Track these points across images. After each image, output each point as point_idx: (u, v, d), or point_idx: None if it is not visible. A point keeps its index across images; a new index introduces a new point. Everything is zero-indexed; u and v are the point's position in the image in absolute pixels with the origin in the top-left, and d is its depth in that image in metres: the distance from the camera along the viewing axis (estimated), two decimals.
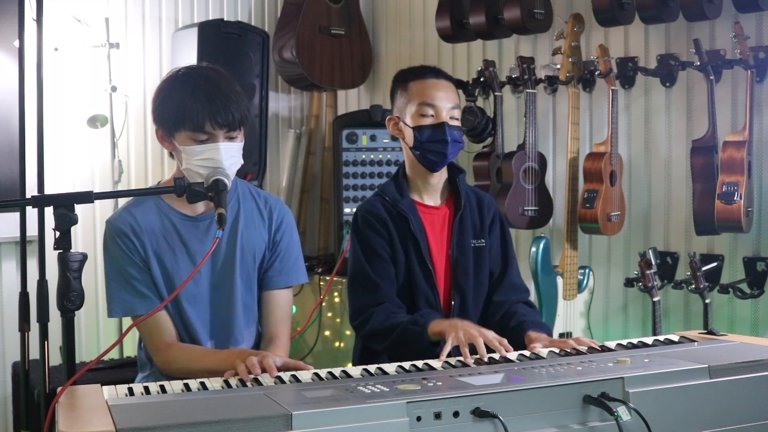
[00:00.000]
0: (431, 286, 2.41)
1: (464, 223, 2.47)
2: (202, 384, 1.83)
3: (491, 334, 2.08)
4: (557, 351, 2.09)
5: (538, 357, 2.03)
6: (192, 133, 2.14)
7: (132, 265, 2.21)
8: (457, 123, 2.44)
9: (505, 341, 2.08)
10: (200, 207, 2.28)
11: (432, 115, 2.40)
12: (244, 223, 2.30)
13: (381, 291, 2.37)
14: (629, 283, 3.51)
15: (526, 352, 2.07)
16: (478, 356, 2.02)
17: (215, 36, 3.98)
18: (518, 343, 2.27)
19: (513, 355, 2.05)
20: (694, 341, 2.15)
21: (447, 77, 2.48)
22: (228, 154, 2.15)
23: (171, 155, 2.28)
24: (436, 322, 2.21)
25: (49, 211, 1.91)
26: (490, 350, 2.07)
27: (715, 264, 3.19)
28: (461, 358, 2.01)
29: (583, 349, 2.09)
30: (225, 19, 4.21)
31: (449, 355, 2.05)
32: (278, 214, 2.36)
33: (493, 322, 2.44)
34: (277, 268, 2.34)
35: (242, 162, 2.21)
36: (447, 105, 2.41)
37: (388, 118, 2.51)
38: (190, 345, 2.25)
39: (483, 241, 2.49)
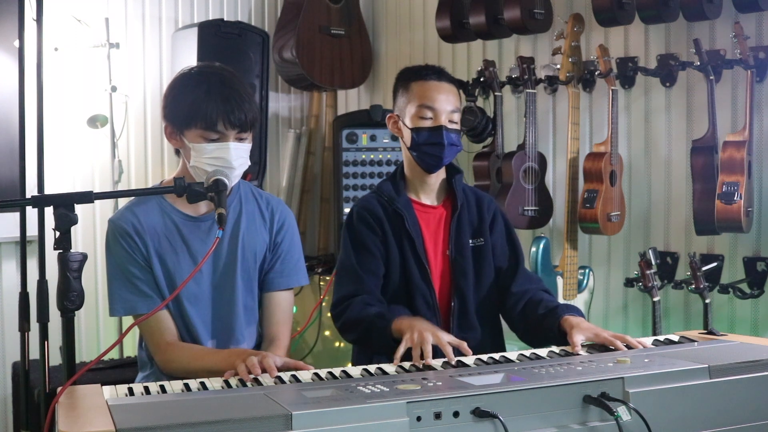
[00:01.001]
0: (427, 285, 2.40)
1: (461, 222, 2.46)
2: (202, 384, 1.83)
3: (445, 338, 2.05)
4: (557, 351, 2.09)
5: (538, 357, 2.03)
6: (204, 132, 2.15)
7: (134, 264, 2.21)
8: (456, 126, 2.44)
9: (464, 345, 2.05)
10: (202, 207, 2.28)
11: (431, 118, 2.40)
12: (246, 224, 2.30)
13: (362, 283, 2.35)
14: (629, 283, 3.51)
15: (526, 352, 2.07)
16: (478, 356, 2.02)
17: (215, 36, 3.97)
18: (553, 329, 2.24)
19: (513, 355, 2.05)
20: (694, 341, 2.15)
21: (449, 79, 2.48)
22: (237, 155, 2.16)
23: (177, 153, 2.28)
24: (400, 319, 2.19)
25: (49, 211, 1.91)
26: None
27: (715, 264, 3.19)
28: (461, 358, 2.01)
29: (623, 346, 2.07)
30: (225, 19, 4.21)
31: (403, 357, 2.03)
32: (280, 215, 2.36)
33: (515, 312, 2.41)
34: (278, 269, 2.34)
35: (249, 164, 2.22)
36: (447, 108, 2.41)
37: (388, 116, 2.51)
38: (191, 344, 2.25)
39: (482, 240, 2.48)
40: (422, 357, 2.00)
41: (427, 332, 2.06)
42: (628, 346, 2.08)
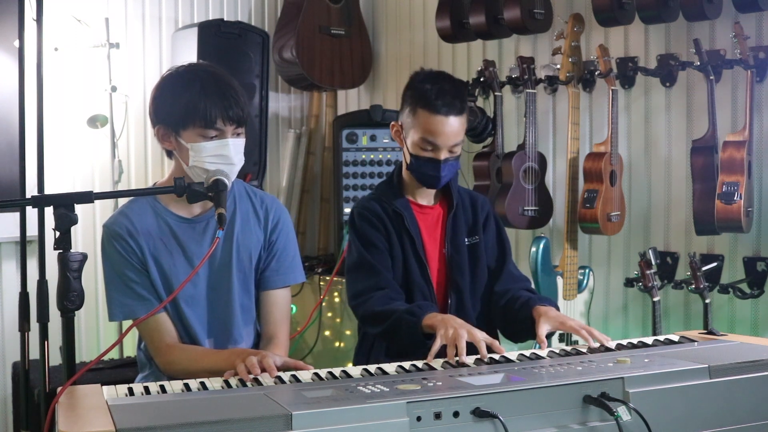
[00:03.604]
0: (426, 282, 2.44)
1: (457, 221, 2.49)
2: (202, 384, 1.83)
3: (479, 335, 2.08)
4: (557, 351, 2.09)
5: (538, 357, 2.03)
6: (202, 130, 2.14)
7: (130, 268, 2.21)
8: (457, 151, 2.41)
9: (496, 343, 2.08)
10: (196, 209, 2.27)
11: (431, 150, 2.38)
12: (240, 223, 2.30)
13: (381, 276, 2.38)
14: (629, 283, 3.51)
15: (526, 352, 2.07)
16: (478, 356, 2.02)
17: (215, 36, 3.97)
18: (526, 321, 2.30)
19: (513, 355, 2.06)
20: (694, 341, 2.15)
21: (459, 110, 2.38)
22: (236, 150, 2.17)
23: (169, 155, 2.27)
24: (430, 315, 2.21)
25: (49, 211, 1.91)
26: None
27: (715, 264, 3.19)
28: (460, 358, 2.01)
29: (595, 345, 2.11)
30: (225, 19, 4.21)
31: (438, 353, 2.05)
32: (274, 213, 2.36)
33: (497, 308, 2.46)
34: (273, 268, 2.34)
35: (244, 159, 2.22)
36: (449, 143, 2.37)
37: (391, 123, 2.51)
38: (191, 346, 2.25)
39: (477, 237, 2.51)
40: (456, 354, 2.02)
41: (462, 329, 2.08)
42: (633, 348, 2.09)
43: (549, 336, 2.25)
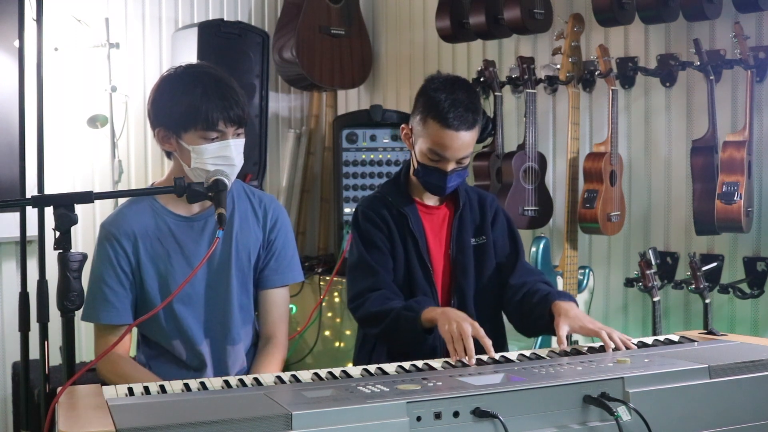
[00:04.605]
0: (430, 284, 2.42)
1: (464, 221, 2.47)
2: (202, 384, 1.83)
3: (483, 331, 2.07)
4: (557, 351, 2.09)
5: (538, 357, 2.03)
6: (204, 132, 2.14)
7: (112, 273, 2.22)
8: (466, 163, 2.39)
9: (490, 342, 2.07)
10: (195, 207, 2.28)
11: (439, 161, 2.36)
12: (239, 223, 2.30)
13: (379, 277, 2.37)
14: (629, 283, 3.51)
15: (526, 352, 2.07)
16: (478, 356, 2.02)
17: (215, 36, 3.97)
18: (544, 316, 2.26)
19: (513, 355, 2.05)
20: (694, 341, 2.15)
21: (471, 124, 2.33)
22: (237, 151, 2.18)
23: (168, 155, 2.27)
24: (429, 309, 2.21)
25: (49, 211, 1.91)
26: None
27: (715, 264, 3.19)
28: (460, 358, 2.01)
29: (613, 345, 2.08)
30: (225, 19, 4.21)
31: (444, 353, 2.05)
32: (273, 213, 2.36)
33: (513, 302, 2.41)
34: (272, 267, 2.35)
35: (243, 160, 2.23)
36: (458, 156, 2.35)
37: (402, 126, 2.48)
38: (143, 368, 2.25)
39: (484, 237, 2.48)
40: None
41: (465, 322, 2.07)
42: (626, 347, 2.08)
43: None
